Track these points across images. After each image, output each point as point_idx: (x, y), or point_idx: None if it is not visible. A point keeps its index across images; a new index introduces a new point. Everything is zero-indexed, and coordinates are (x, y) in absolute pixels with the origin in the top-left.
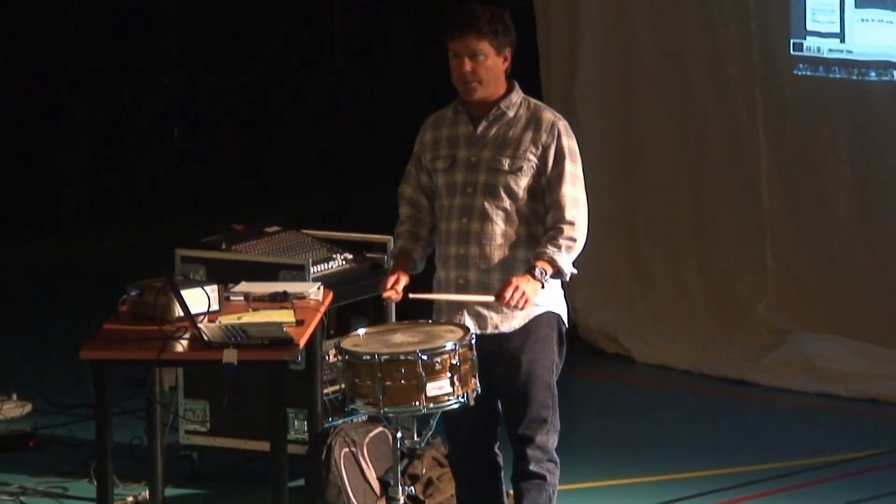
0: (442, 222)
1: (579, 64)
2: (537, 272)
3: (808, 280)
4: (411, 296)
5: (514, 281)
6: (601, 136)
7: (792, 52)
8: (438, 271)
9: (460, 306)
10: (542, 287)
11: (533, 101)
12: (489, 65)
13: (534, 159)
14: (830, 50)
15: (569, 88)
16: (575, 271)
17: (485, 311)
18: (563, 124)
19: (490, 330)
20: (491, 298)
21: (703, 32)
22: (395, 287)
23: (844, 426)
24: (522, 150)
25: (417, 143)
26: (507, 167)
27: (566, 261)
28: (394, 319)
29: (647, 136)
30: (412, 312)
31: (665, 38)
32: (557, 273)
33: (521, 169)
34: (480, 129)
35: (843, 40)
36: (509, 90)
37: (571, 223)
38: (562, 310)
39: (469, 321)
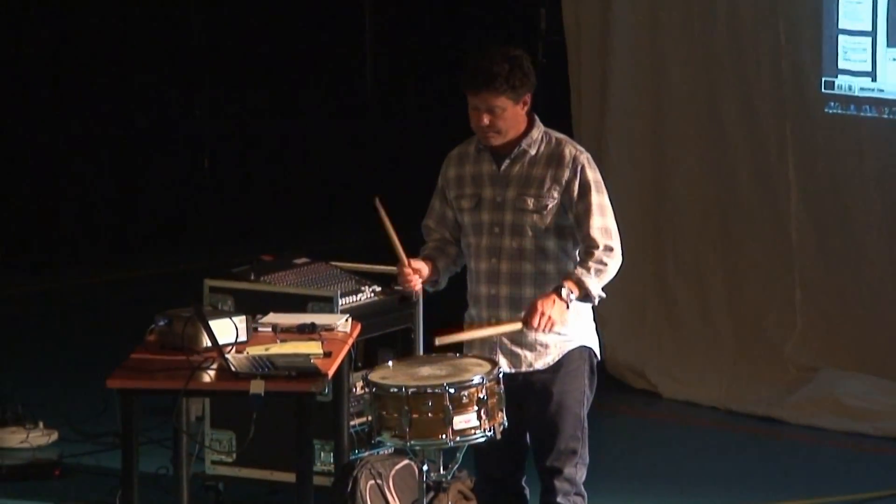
0: (471, 261)
1: (610, 99)
2: (563, 292)
3: (837, 317)
4: (438, 342)
5: (539, 305)
6: (631, 171)
7: (823, 90)
8: (470, 309)
9: (493, 346)
10: (567, 307)
11: (554, 135)
12: (508, 116)
13: (558, 196)
14: (862, 88)
15: (599, 123)
16: (604, 295)
17: (518, 350)
18: (585, 157)
19: (524, 368)
20: (518, 326)
21: (735, 70)
22: (418, 273)
23: (872, 465)
24: (546, 189)
25: (441, 179)
26: (532, 206)
27: (594, 283)
28: (422, 352)
29: (676, 172)
30: (441, 346)
31: (696, 74)
32: (586, 295)
33: (546, 207)
34: (504, 167)
35: (874, 79)
36: (530, 127)
37: (603, 249)
38: (593, 343)
39: (503, 360)
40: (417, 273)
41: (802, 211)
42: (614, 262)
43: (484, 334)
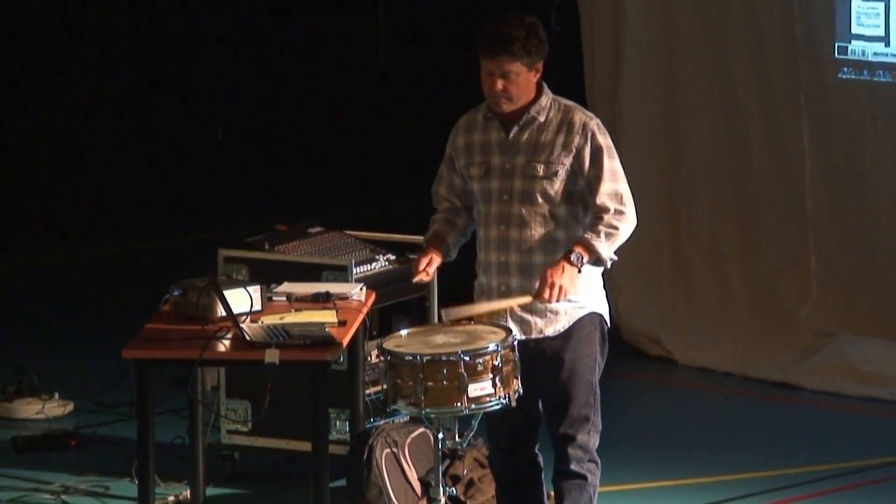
0: (480, 229)
1: (623, 67)
2: (573, 257)
3: (852, 283)
4: (445, 317)
5: (549, 276)
6: (645, 139)
7: (837, 55)
8: (480, 277)
9: (504, 312)
10: (579, 272)
11: (563, 101)
12: (521, 82)
13: (568, 163)
14: (875, 54)
15: (613, 91)
16: (615, 258)
17: (529, 317)
18: (595, 123)
19: (535, 335)
20: (528, 299)
21: (748, 36)
22: (427, 269)
23: (887, 429)
24: (556, 155)
25: (449, 146)
26: (542, 173)
27: (605, 247)
28: (436, 320)
29: (690, 139)
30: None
31: (710, 41)
32: (597, 259)
33: (556, 173)
34: (512, 134)
35: (887, 44)
36: (538, 94)
37: (613, 213)
38: (604, 309)
39: (513, 327)
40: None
41: (816, 177)
42: (626, 226)
43: (493, 307)
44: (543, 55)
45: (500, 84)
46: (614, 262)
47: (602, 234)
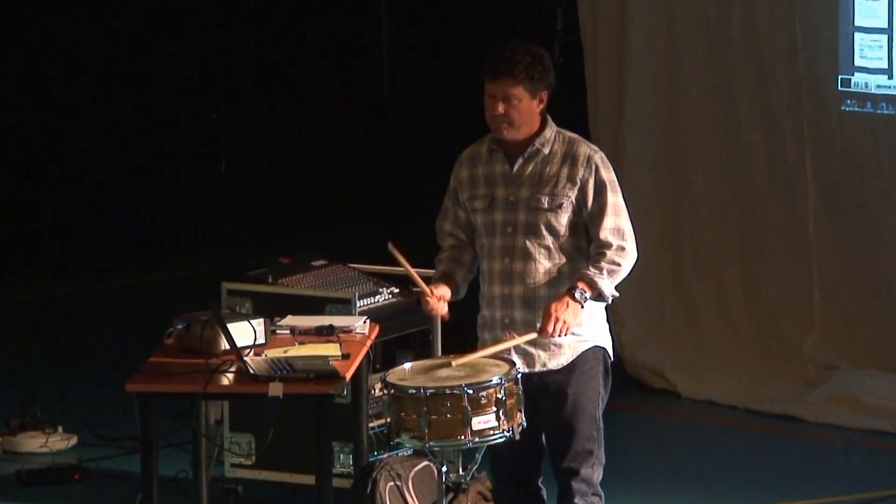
0: (484, 261)
1: (627, 99)
2: (577, 293)
3: (855, 315)
4: (455, 364)
5: (553, 311)
6: (648, 171)
7: (840, 87)
8: (483, 311)
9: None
10: (582, 307)
11: (567, 134)
12: (522, 108)
13: (572, 195)
14: (878, 86)
15: (616, 123)
16: (617, 294)
17: (532, 350)
18: (599, 156)
19: (538, 368)
20: (533, 336)
21: (752, 68)
22: (442, 298)
23: (891, 462)
24: (560, 187)
25: (453, 179)
26: (546, 205)
27: (607, 283)
28: (440, 353)
29: (694, 171)
30: (458, 346)
31: (713, 73)
32: (599, 295)
33: (560, 206)
34: (517, 167)
35: (891, 76)
36: (542, 126)
37: (615, 249)
38: (607, 343)
39: (517, 359)
40: (441, 299)
41: (820, 209)
42: (627, 262)
43: (499, 349)
44: (547, 85)
45: (500, 107)
46: (616, 297)
47: (604, 271)
